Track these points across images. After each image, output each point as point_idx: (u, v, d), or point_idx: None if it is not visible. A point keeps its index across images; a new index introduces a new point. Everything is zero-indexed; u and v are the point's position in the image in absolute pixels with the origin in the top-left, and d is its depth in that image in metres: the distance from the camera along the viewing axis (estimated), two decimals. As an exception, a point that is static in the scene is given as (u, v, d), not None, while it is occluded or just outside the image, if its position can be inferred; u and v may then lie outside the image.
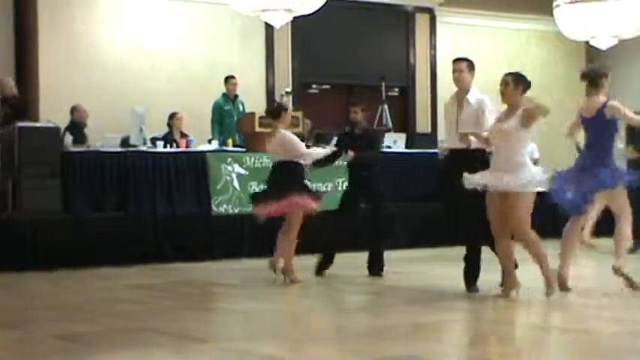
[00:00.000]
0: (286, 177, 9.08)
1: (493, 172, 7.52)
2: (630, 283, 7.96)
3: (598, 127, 7.91)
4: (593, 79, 7.98)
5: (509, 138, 7.46)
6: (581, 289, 8.12)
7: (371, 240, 9.81)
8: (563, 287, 7.91)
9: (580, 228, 8.41)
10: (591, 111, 7.92)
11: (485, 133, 7.72)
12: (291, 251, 9.08)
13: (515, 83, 7.57)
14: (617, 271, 7.92)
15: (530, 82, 7.65)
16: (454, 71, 8.15)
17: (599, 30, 13.64)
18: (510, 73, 7.71)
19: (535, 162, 13.02)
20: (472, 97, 8.09)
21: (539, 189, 7.66)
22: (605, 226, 9.70)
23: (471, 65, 8.19)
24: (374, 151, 9.84)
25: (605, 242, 9.61)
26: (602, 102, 7.89)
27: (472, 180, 7.54)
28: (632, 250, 11.26)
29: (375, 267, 9.70)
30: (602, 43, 13.94)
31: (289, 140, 9.15)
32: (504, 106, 7.73)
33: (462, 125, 7.98)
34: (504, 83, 7.61)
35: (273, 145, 9.27)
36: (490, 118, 7.85)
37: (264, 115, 10.71)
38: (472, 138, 7.82)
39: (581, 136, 8.29)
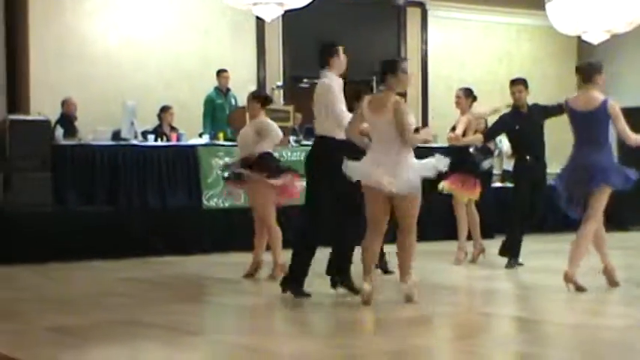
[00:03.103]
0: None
1: None
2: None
3: (595, 122, 7.61)
4: (588, 73, 7.73)
5: None
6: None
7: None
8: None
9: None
10: (588, 106, 7.64)
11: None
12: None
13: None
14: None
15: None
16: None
17: (591, 24, 13.60)
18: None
19: None
20: None
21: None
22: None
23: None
24: None
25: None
26: (602, 99, 7.59)
27: None
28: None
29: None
30: (595, 37, 13.90)
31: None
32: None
33: None
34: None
35: None
36: None
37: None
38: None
39: None
